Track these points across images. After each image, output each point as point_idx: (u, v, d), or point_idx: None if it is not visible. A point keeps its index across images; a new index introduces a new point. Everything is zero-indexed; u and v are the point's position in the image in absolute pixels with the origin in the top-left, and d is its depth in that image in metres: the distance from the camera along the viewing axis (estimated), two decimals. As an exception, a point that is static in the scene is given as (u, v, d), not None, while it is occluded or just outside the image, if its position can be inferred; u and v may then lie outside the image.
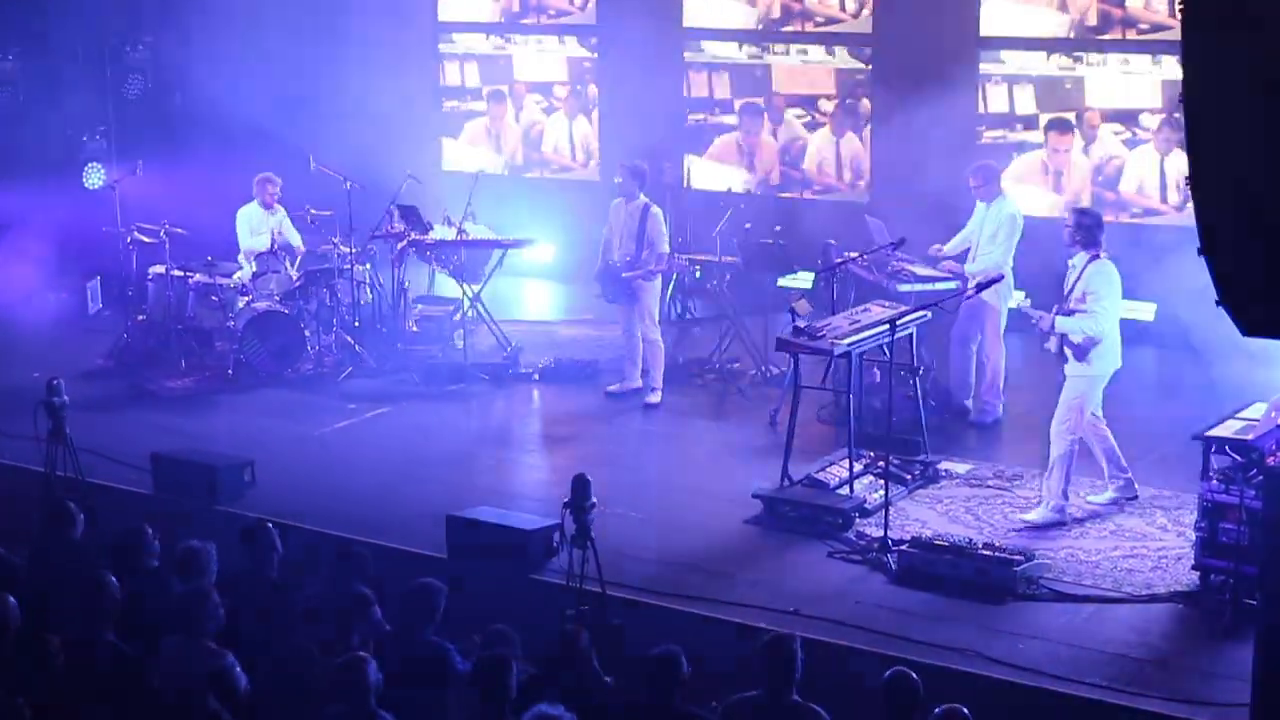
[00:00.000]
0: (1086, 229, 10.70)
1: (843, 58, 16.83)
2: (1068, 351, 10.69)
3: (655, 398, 13.77)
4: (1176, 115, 14.52)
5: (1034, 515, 10.87)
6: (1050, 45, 15.71)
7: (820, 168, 17.15)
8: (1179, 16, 5.50)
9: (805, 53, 17.08)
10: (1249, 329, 6.16)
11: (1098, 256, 10.66)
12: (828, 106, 17.06)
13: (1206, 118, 5.64)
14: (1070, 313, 10.61)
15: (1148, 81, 15.31)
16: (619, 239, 13.71)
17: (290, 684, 7.43)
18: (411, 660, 7.65)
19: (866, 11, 16.61)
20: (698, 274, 16.09)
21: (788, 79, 17.27)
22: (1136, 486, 11.11)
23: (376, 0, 18.45)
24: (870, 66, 16.67)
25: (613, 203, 13.91)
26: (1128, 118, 15.47)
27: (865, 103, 16.75)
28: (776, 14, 17.21)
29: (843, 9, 16.76)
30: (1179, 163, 14.67)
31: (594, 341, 15.51)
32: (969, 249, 12.99)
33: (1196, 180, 5.78)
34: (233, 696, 7.12)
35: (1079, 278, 10.67)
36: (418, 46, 19.34)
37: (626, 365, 14.07)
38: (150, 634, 7.80)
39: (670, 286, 16.11)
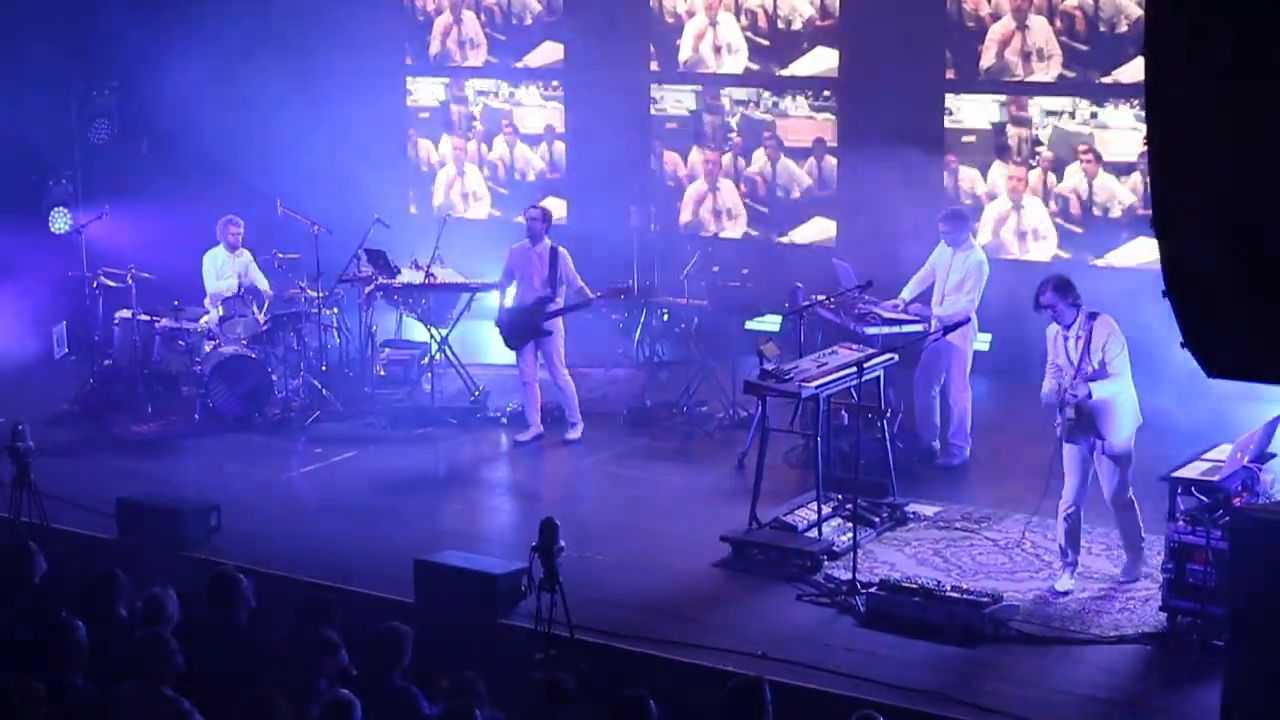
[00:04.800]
0: (1070, 291, 10.24)
1: (808, 105, 16.92)
2: (1107, 425, 10.22)
3: (576, 434, 13.86)
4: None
5: (1125, 571, 10.59)
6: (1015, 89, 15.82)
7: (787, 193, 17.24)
8: (1145, 67, 5.53)
9: (777, 104, 17.16)
10: (1213, 371, 6.19)
11: (1095, 314, 10.27)
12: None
13: (1172, 156, 5.67)
14: (1096, 375, 10.22)
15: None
16: (526, 282, 13.79)
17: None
18: (378, 705, 7.60)
19: (834, 58, 16.70)
20: (665, 317, 16.11)
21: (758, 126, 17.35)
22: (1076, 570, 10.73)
23: (345, 45, 18.46)
24: (836, 116, 16.74)
25: (514, 246, 13.97)
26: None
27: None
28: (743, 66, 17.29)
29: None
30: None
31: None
32: (930, 287, 13.00)
33: (1161, 220, 5.82)
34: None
35: (1088, 339, 10.21)
36: (386, 91, 19.35)
37: (529, 413, 14.06)
38: (113, 680, 7.73)
39: (638, 329, 16.14)
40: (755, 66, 17.19)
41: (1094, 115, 15.44)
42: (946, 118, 16.11)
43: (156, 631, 7.91)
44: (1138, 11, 15.14)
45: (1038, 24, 15.72)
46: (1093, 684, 9.15)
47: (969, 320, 12.35)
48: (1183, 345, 6.09)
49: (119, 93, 18.31)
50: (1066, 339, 10.33)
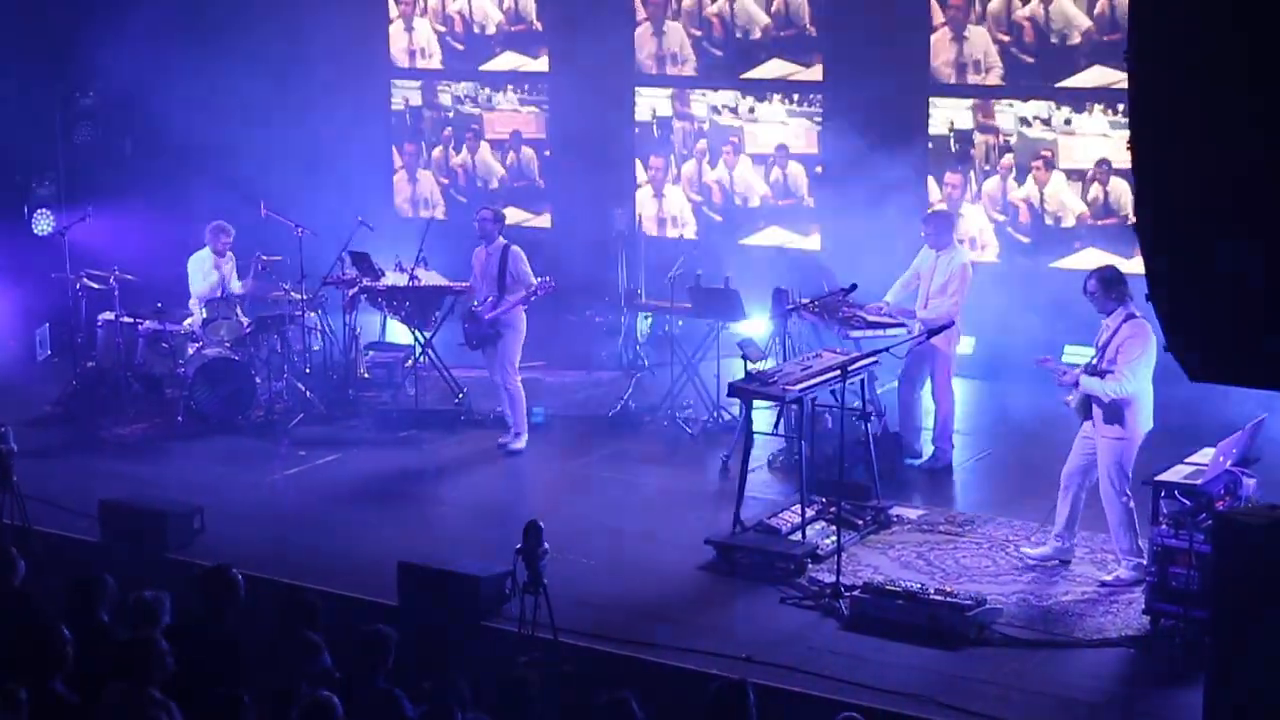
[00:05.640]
0: (1117, 287, 10.39)
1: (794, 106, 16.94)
2: (1097, 412, 10.43)
3: (520, 444, 13.80)
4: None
5: (1115, 575, 10.62)
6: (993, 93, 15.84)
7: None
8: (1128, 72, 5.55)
9: (754, 109, 17.17)
10: (1196, 374, 6.21)
11: (1133, 315, 10.34)
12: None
13: (1154, 163, 5.70)
14: (1101, 372, 10.36)
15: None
16: (482, 283, 13.83)
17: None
18: (362, 708, 7.59)
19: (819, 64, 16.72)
20: (648, 320, 16.11)
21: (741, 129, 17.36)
22: (1074, 554, 10.93)
23: (329, 47, 18.44)
24: (821, 121, 16.75)
25: (475, 250, 13.97)
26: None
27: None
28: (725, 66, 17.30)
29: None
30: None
31: (543, 388, 15.48)
32: (915, 291, 13.02)
33: (1144, 227, 5.84)
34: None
35: (1113, 335, 10.37)
36: (370, 92, 19.32)
37: (506, 414, 14.07)
38: (97, 683, 7.71)
39: (621, 334, 16.15)
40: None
41: (1068, 121, 15.46)
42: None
43: (147, 634, 7.88)
44: (1088, 22, 15.19)
45: (976, 34, 15.76)
46: (1076, 687, 9.18)
47: (953, 323, 12.36)
48: (1165, 349, 6.12)
49: (102, 95, 18.27)
50: (1104, 329, 10.51)
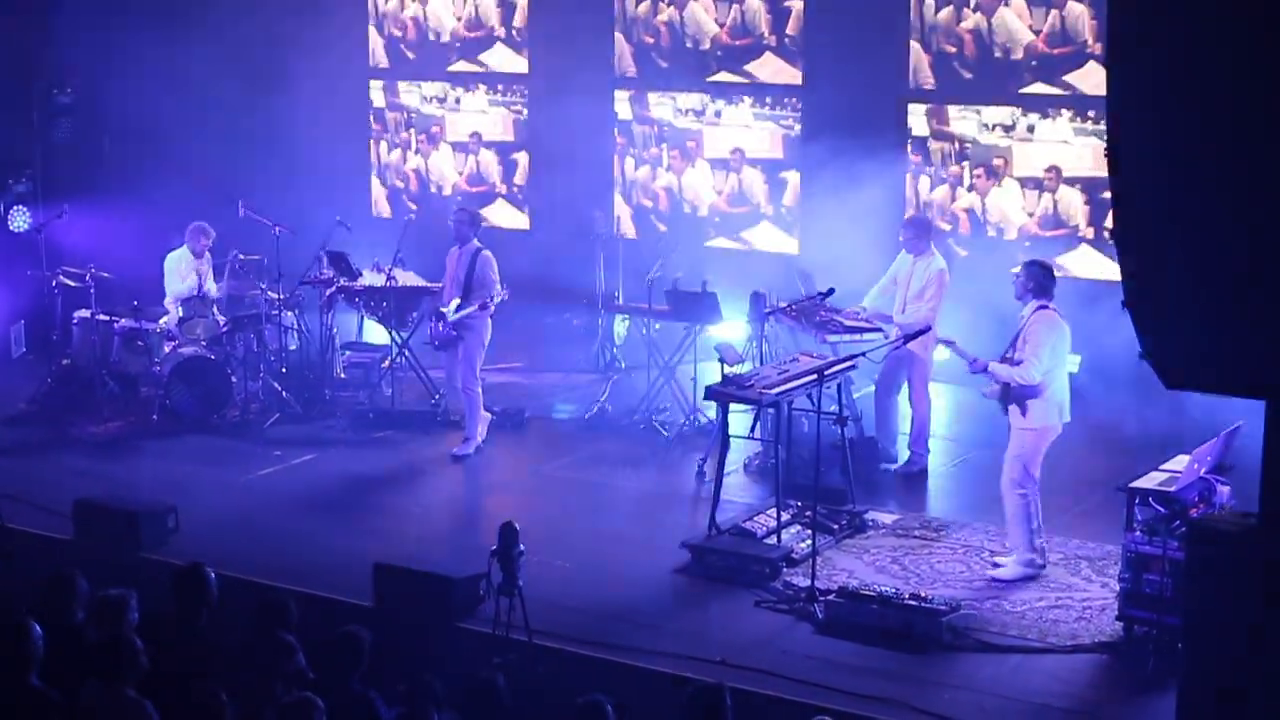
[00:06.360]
0: (1038, 279, 10.64)
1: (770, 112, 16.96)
2: (1014, 408, 10.62)
3: (469, 448, 13.71)
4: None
5: (1004, 571, 10.79)
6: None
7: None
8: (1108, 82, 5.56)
9: (736, 109, 17.20)
10: (1171, 382, 6.23)
11: (1045, 307, 10.58)
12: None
13: (1132, 169, 5.72)
14: (1013, 361, 10.54)
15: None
16: (451, 285, 13.77)
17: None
18: (336, 709, 7.58)
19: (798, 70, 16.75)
20: (625, 322, 16.10)
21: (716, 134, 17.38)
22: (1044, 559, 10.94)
23: (308, 46, 18.39)
24: (800, 126, 16.76)
25: (450, 251, 13.94)
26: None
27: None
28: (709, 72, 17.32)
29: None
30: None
31: (521, 389, 15.48)
32: (892, 296, 13.05)
33: (1121, 235, 5.86)
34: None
35: (1022, 326, 10.62)
36: (349, 92, 19.30)
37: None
38: (72, 681, 7.69)
39: (598, 335, 16.14)
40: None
41: (1031, 129, 15.45)
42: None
43: (121, 633, 7.86)
44: (1030, 36, 15.23)
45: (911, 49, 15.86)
46: (1049, 693, 9.20)
47: (930, 329, 12.38)
48: (1142, 357, 6.15)
49: (79, 92, 18.22)
50: (1019, 319, 10.70)
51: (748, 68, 16.98)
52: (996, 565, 10.93)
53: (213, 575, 8.58)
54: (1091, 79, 14.98)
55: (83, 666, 7.71)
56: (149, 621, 8.32)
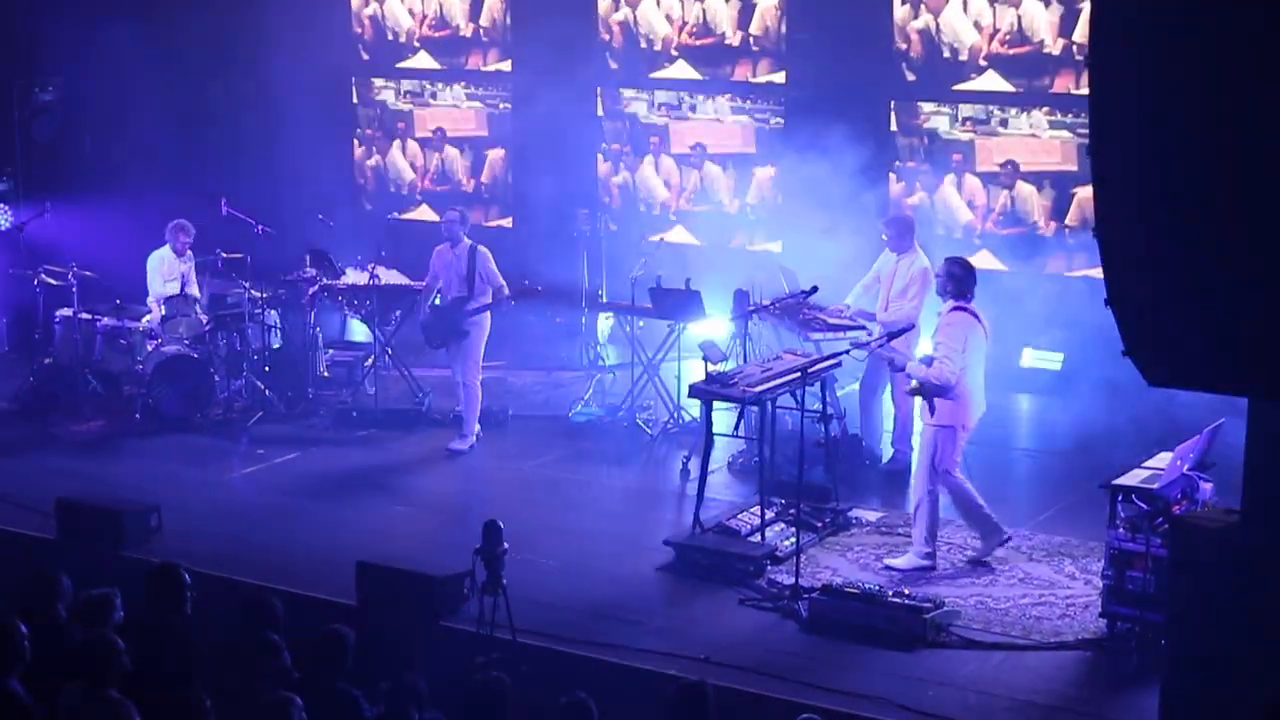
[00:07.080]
0: (957, 279, 10.75)
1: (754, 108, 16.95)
2: (922, 405, 10.77)
3: (464, 445, 13.76)
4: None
5: (899, 561, 10.95)
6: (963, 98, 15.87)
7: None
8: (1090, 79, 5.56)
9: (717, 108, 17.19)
10: (1154, 379, 6.24)
11: (959, 307, 10.69)
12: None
13: (1114, 169, 5.72)
14: (928, 361, 10.67)
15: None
16: (446, 283, 13.78)
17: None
18: (320, 708, 7.57)
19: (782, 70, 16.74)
20: (609, 320, 16.09)
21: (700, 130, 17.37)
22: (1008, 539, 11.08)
23: (291, 43, 18.34)
24: (783, 120, 16.75)
25: (437, 248, 13.95)
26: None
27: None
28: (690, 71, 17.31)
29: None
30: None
31: (504, 388, 15.47)
32: (875, 294, 13.05)
33: (1104, 233, 5.86)
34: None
35: (938, 327, 10.76)
36: (333, 90, 19.24)
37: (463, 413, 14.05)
38: (52, 683, 7.66)
39: (582, 334, 16.13)
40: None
41: (1005, 123, 15.45)
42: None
43: (102, 633, 7.83)
44: (975, 36, 15.24)
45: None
46: (1033, 689, 9.21)
47: (913, 327, 12.40)
48: (1124, 354, 6.15)
49: (62, 90, 18.17)
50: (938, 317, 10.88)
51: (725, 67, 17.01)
52: (895, 556, 11.05)
53: (188, 575, 8.55)
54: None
55: (65, 667, 7.69)
56: (131, 621, 8.30)
